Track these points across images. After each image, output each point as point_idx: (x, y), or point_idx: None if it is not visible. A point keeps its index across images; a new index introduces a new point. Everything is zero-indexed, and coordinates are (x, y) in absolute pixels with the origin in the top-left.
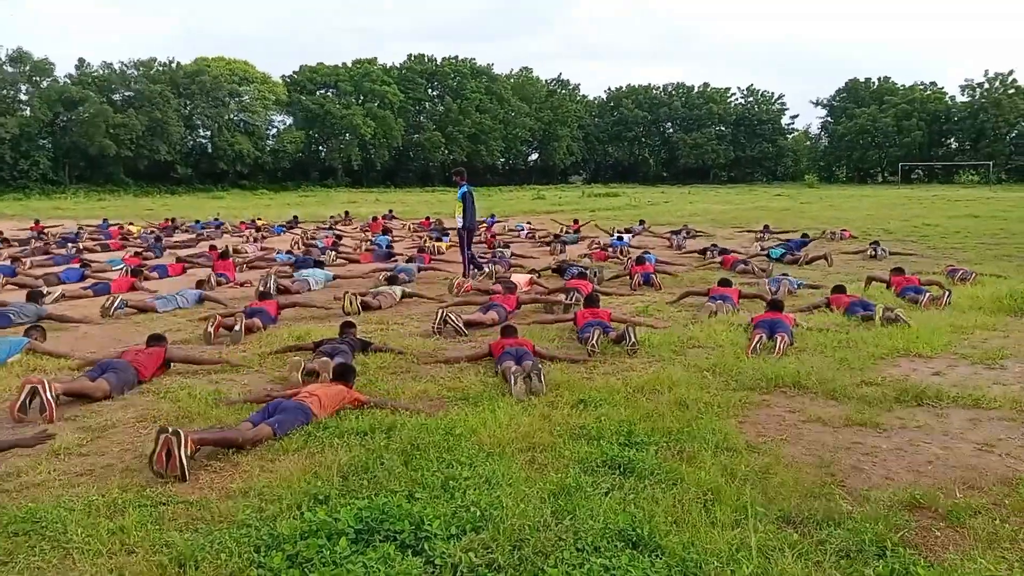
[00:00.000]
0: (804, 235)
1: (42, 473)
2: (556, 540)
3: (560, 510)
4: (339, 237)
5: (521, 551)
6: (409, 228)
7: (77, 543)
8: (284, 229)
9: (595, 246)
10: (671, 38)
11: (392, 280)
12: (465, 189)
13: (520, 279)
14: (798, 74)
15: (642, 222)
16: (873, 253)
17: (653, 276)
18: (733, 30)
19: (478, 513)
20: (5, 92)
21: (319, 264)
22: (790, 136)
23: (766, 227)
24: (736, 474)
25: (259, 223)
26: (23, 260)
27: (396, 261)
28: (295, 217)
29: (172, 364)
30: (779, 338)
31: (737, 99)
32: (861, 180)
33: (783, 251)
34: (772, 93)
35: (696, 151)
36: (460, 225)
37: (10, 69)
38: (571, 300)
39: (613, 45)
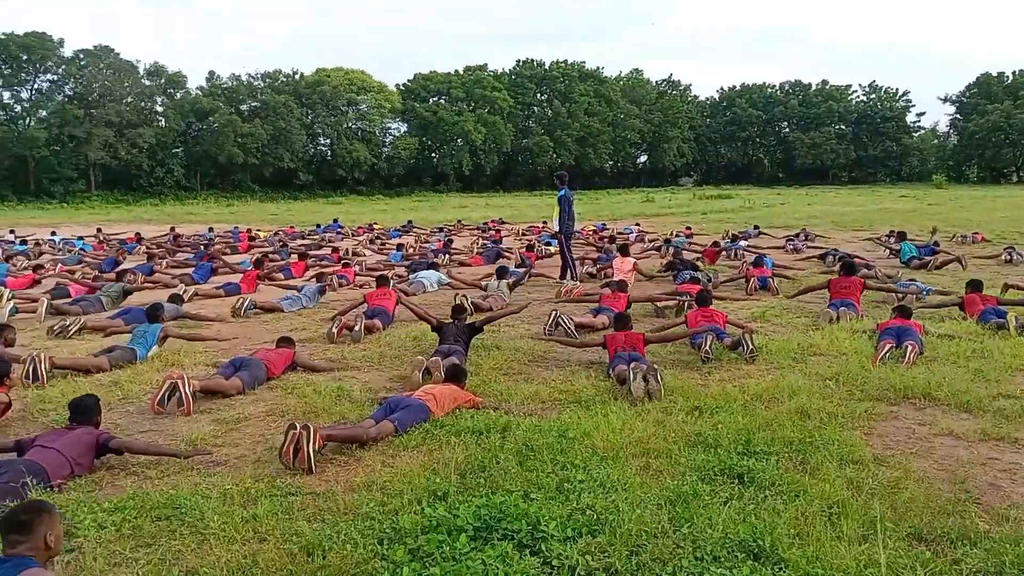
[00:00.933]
0: (933, 244)
1: (181, 462)
2: (674, 547)
3: (677, 517)
4: (450, 240)
5: (639, 557)
6: (518, 233)
7: (214, 529)
8: (400, 233)
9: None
10: (786, 36)
11: (500, 273)
12: (562, 192)
13: (624, 264)
14: (924, 70)
15: (756, 227)
16: (1008, 258)
17: (770, 280)
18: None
19: (594, 516)
20: (143, 104)
21: (433, 266)
22: (916, 134)
23: (892, 232)
24: (863, 488)
25: (376, 227)
26: (159, 261)
27: (506, 261)
28: (409, 221)
29: (298, 367)
30: (909, 346)
31: (858, 96)
32: (994, 180)
33: (913, 254)
34: (896, 90)
35: (814, 151)
36: (556, 228)
37: (147, 82)
38: (683, 303)
39: (726, 44)
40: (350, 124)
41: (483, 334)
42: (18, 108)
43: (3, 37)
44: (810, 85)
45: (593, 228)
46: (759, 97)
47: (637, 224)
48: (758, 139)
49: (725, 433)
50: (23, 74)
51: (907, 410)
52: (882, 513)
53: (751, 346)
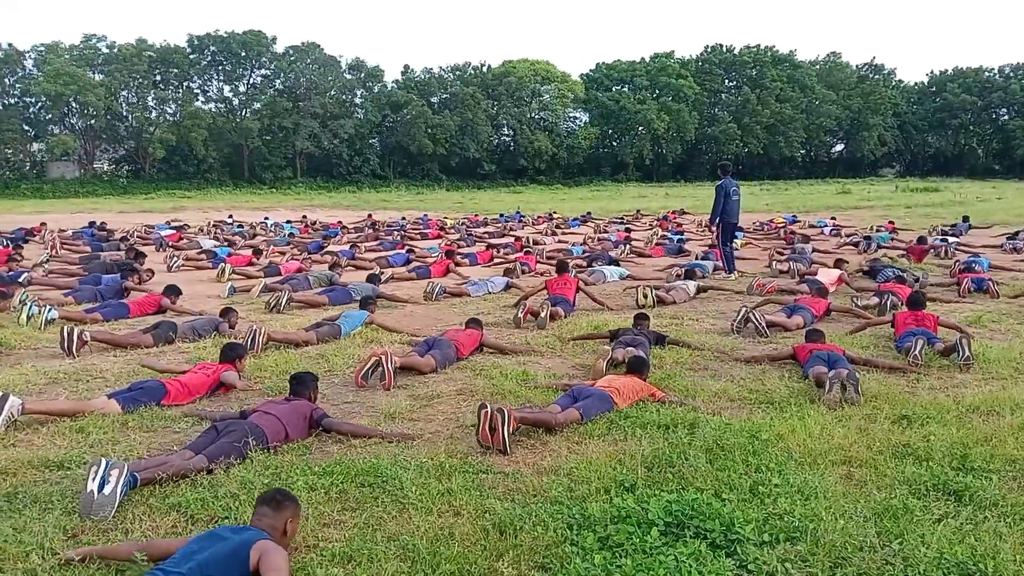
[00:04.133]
0: None
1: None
2: (882, 564)
3: (886, 532)
4: (629, 231)
5: (843, 570)
6: (701, 224)
7: (412, 499)
8: (579, 223)
9: (911, 244)
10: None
11: (689, 275)
12: (721, 182)
13: (829, 276)
14: None
15: (965, 219)
16: None
17: (988, 282)
18: None
19: (793, 523)
20: (344, 97)
21: (614, 263)
22: None
23: None
24: None
25: (555, 217)
26: (359, 245)
27: (688, 256)
28: (588, 213)
29: (484, 348)
30: None
31: None
32: None
33: None
34: None
35: None
36: (710, 219)
37: (349, 76)
38: (885, 301)
39: (936, 25)
40: (533, 114)
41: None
42: (235, 101)
43: (225, 35)
44: None
45: (783, 220)
46: (974, 82)
47: (833, 218)
48: (971, 127)
49: (937, 446)
50: (241, 69)
51: None
52: None
53: (967, 352)
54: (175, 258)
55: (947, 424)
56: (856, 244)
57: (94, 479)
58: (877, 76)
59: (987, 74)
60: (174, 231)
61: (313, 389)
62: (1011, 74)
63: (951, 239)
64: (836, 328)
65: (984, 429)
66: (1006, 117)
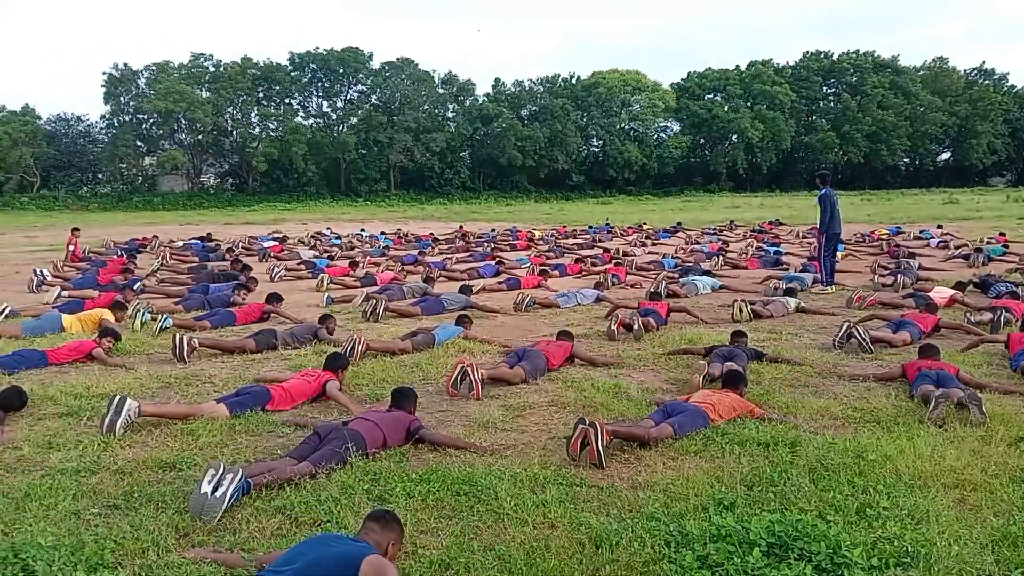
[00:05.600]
0: None
1: (476, 442)
2: None
3: (1004, 560)
4: (725, 243)
5: None
6: (798, 235)
7: (507, 509)
8: (669, 234)
9: None
10: None
11: (790, 293)
12: (823, 191)
13: (942, 294)
14: None
15: None
16: None
17: None
18: None
19: (903, 548)
20: (437, 111)
21: (707, 274)
22: None
23: None
24: None
25: (645, 228)
26: (450, 257)
27: (786, 268)
28: (679, 223)
29: (575, 360)
30: None
31: None
32: None
33: None
34: None
35: None
36: (818, 228)
37: (441, 91)
38: (999, 317)
39: None
40: (623, 124)
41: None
42: (333, 116)
43: (324, 53)
44: None
45: (886, 232)
46: None
47: (940, 227)
48: None
49: None
50: (339, 85)
51: None
52: None
53: None
54: (277, 268)
55: None
56: (966, 257)
57: (209, 481)
58: (987, 81)
59: None
60: (276, 242)
61: (413, 403)
62: None
63: None
64: (947, 346)
65: None
66: None
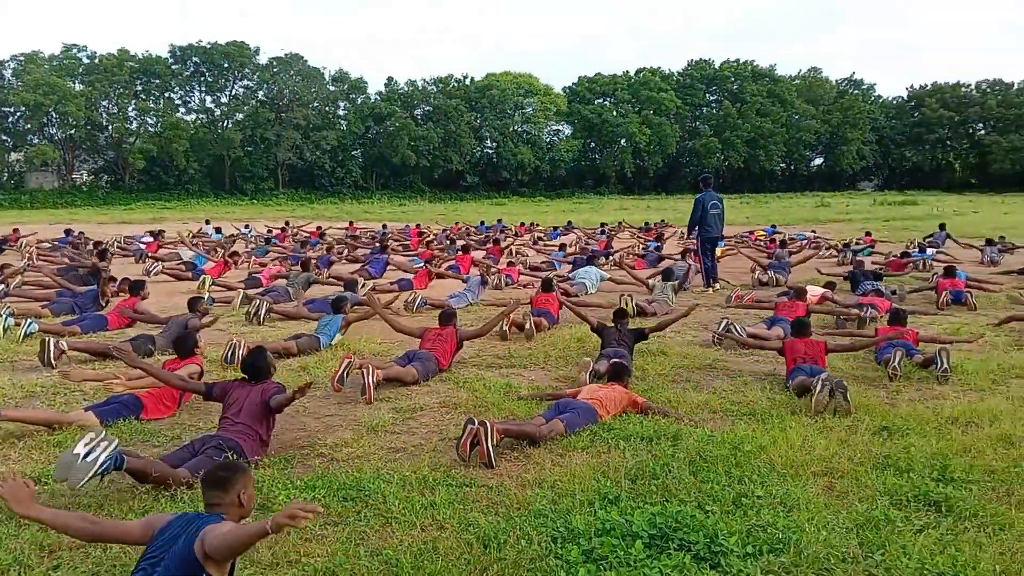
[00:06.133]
0: None
1: (364, 447)
2: (865, 575)
3: (868, 543)
4: (611, 239)
5: None
6: (681, 236)
7: (396, 513)
8: (559, 233)
9: (891, 256)
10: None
11: (666, 276)
12: (700, 196)
13: (813, 293)
14: None
15: (942, 227)
16: None
17: (965, 293)
18: None
19: (776, 535)
20: (327, 108)
21: (592, 260)
22: None
23: None
24: None
25: (536, 227)
26: (338, 254)
27: (669, 263)
28: (569, 222)
29: (463, 343)
30: None
31: None
32: None
33: None
34: None
35: (1013, 155)
36: (687, 230)
37: (332, 88)
38: (866, 314)
39: (917, 40)
40: (516, 127)
41: (648, 341)
42: (218, 112)
43: (208, 46)
44: (1011, 84)
45: (763, 233)
46: (952, 97)
47: (813, 231)
48: (949, 142)
49: (918, 457)
50: (223, 80)
51: None
52: None
53: (945, 364)
54: (154, 267)
55: (927, 435)
56: (838, 252)
57: (86, 444)
58: (856, 91)
59: (964, 89)
60: (153, 239)
61: (268, 364)
62: (988, 90)
63: (930, 251)
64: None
65: (963, 440)
66: (983, 132)
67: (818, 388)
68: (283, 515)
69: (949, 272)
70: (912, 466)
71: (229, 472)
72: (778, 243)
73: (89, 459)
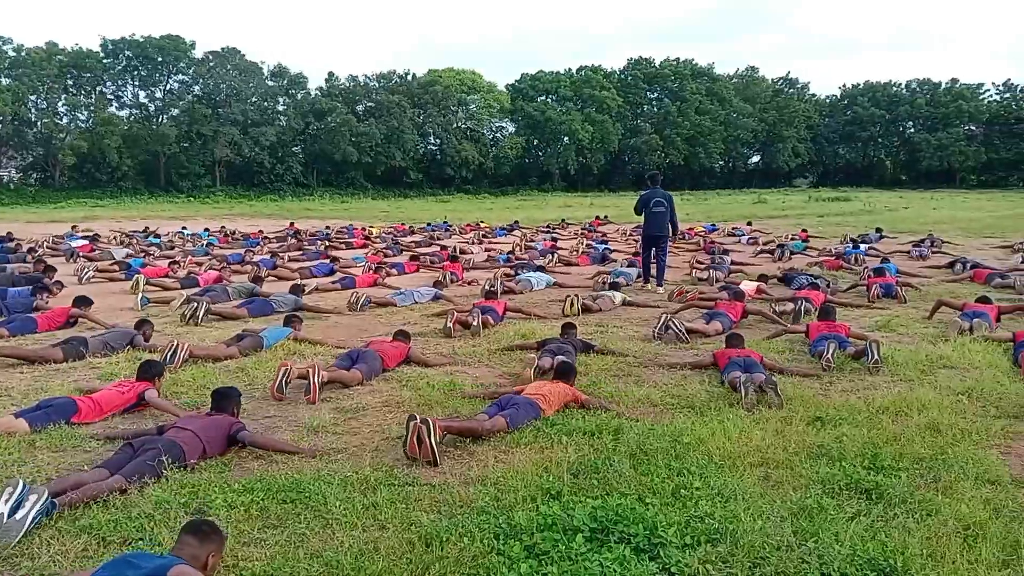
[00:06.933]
0: None
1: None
2: (799, 562)
3: (802, 531)
4: (556, 240)
5: (762, 569)
6: (624, 233)
7: (336, 515)
8: (505, 232)
9: (826, 253)
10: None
11: (615, 287)
12: (645, 192)
13: (748, 287)
14: None
15: (878, 230)
16: None
17: (895, 287)
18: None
19: (714, 525)
20: (266, 104)
21: (540, 269)
22: None
23: None
24: (1001, 510)
25: (482, 226)
26: (281, 255)
27: (613, 263)
28: (516, 222)
29: (411, 362)
30: None
31: (991, 95)
32: None
33: None
34: None
35: (941, 152)
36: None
37: (271, 83)
38: (799, 307)
39: (849, 41)
40: (460, 123)
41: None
42: (152, 107)
43: (141, 40)
44: (939, 84)
45: (702, 229)
46: (883, 96)
47: (749, 224)
48: (880, 139)
49: (850, 446)
50: (158, 75)
51: None
52: None
53: (876, 356)
54: (86, 270)
55: (858, 425)
56: (772, 252)
57: (6, 500)
58: (791, 90)
59: (895, 88)
60: (86, 241)
61: (236, 404)
62: (917, 88)
63: (862, 246)
64: (753, 335)
65: (893, 429)
66: (912, 130)
67: (743, 393)
68: None
69: (880, 270)
70: (844, 455)
71: (212, 530)
72: (719, 247)
73: (18, 516)
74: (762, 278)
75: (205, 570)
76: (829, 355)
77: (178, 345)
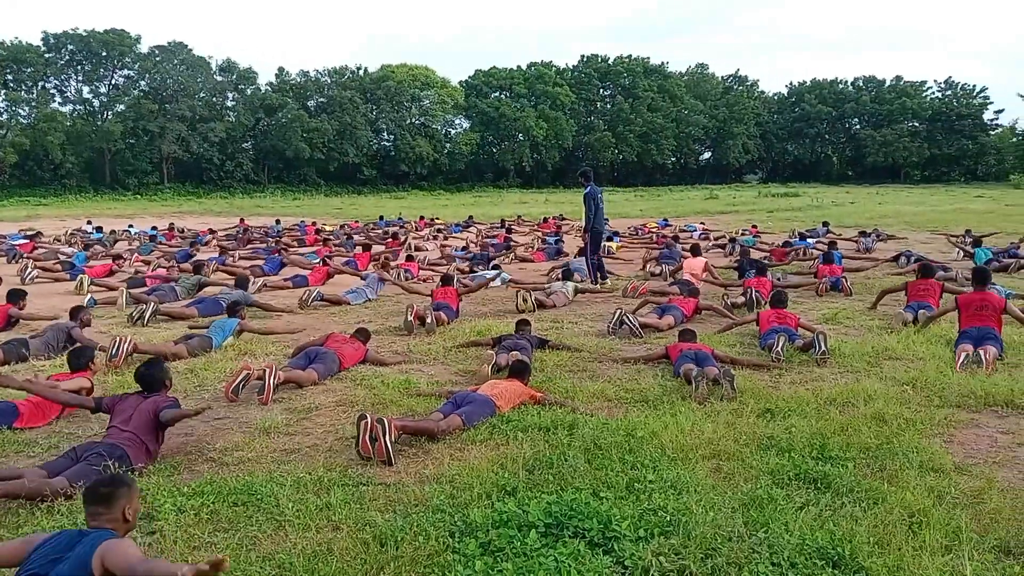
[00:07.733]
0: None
1: (256, 449)
2: (750, 552)
3: (752, 521)
4: (510, 232)
5: (713, 560)
6: (575, 229)
7: (289, 516)
8: (461, 228)
9: (775, 246)
10: (862, 29)
11: (567, 275)
12: (588, 190)
13: (695, 264)
14: (1005, 64)
15: (825, 224)
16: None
17: (843, 280)
18: (930, 21)
19: (666, 517)
20: (215, 99)
21: (496, 267)
22: (993, 132)
23: (968, 232)
24: (944, 497)
25: (437, 221)
26: (231, 252)
27: (567, 257)
28: (470, 217)
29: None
30: (984, 352)
31: (933, 93)
32: None
33: (990, 256)
34: (973, 86)
35: (886, 149)
36: (584, 228)
37: (219, 78)
38: (751, 297)
39: (797, 39)
40: (413, 120)
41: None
42: (96, 103)
43: (84, 34)
44: (883, 81)
45: (655, 225)
46: (829, 93)
47: (702, 223)
48: (827, 136)
49: (799, 437)
50: (102, 69)
51: (988, 418)
52: (966, 524)
53: (823, 348)
54: (29, 269)
55: (807, 416)
56: (723, 247)
57: None
58: (741, 87)
59: (841, 86)
60: (27, 240)
61: (165, 377)
62: (863, 86)
63: (810, 240)
64: (705, 328)
65: (840, 420)
66: (858, 127)
67: (696, 386)
68: (203, 563)
69: (828, 258)
70: (793, 446)
71: (113, 486)
72: (671, 237)
73: None
74: (694, 250)
75: (127, 523)
76: (779, 348)
77: (121, 340)
